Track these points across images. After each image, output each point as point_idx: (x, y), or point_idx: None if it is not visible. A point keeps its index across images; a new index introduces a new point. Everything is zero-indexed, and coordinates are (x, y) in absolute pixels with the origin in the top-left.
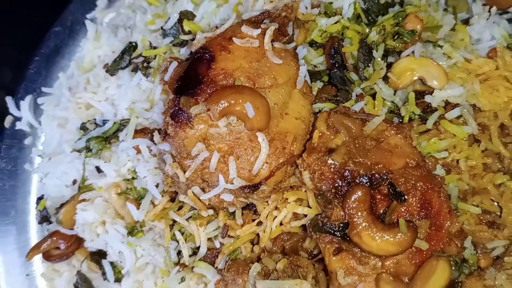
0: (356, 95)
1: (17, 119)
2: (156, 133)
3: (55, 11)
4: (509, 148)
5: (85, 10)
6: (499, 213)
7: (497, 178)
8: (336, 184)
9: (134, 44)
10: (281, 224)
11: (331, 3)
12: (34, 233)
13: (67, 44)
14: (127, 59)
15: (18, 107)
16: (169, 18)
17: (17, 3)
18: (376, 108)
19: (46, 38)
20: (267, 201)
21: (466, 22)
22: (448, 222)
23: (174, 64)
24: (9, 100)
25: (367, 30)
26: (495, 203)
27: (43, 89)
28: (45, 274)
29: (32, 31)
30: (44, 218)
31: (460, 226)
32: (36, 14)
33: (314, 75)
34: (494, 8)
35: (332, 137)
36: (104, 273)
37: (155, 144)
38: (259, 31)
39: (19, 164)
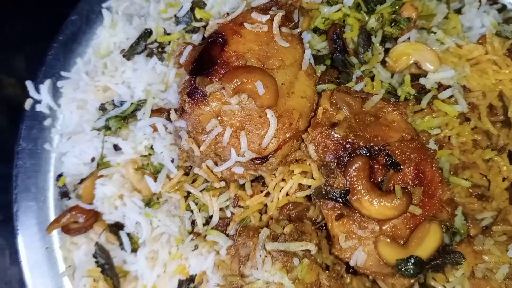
0: (356, 77)
1: (37, 101)
2: (172, 111)
3: (72, 1)
4: (497, 126)
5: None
6: (487, 187)
7: (485, 153)
8: (339, 155)
9: (149, 30)
10: (287, 194)
11: None
12: (53, 208)
13: (83, 32)
14: (143, 44)
15: (37, 90)
16: (182, 6)
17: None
18: (374, 89)
19: (63, 26)
20: (274, 174)
21: (458, 11)
22: (440, 191)
23: (189, 48)
24: (29, 84)
25: (367, 18)
26: (484, 177)
27: (62, 73)
28: (64, 247)
29: (50, 20)
30: (64, 194)
31: (451, 195)
32: (54, 4)
33: (317, 59)
34: None
35: (335, 113)
36: (121, 244)
37: (171, 122)
38: (268, 17)
39: (39, 144)
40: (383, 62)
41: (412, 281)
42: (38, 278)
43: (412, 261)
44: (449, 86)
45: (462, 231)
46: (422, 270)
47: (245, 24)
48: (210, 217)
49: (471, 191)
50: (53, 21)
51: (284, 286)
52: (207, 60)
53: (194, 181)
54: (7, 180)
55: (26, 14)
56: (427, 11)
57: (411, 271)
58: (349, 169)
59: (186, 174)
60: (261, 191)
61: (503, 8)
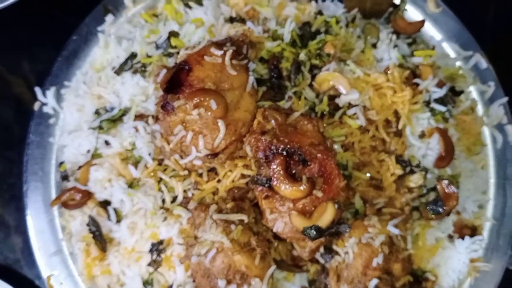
0: (288, 97)
1: (44, 104)
2: (150, 118)
3: (74, 24)
4: (390, 135)
5: (97, 23)
6: (381, 180)
7: (380, 156)
8: (266, 154)
9: (135, 53)
10: (233, 181)
11: (276, 30)
12: (55, 188)
13: (82, 49)
14: (130, 64)
15: (44, 95)
16: (161, 36)
17: (48, 20)
18: (299, 106)
19: (66, 44)
20: (224, 166)
21: (374, 45)
22: (337, 180)
23: (164, 70)
24: (37, 90)
25: (300, 51)
26: (378, 173)
27: (65, 83)
28: (63, 218)
29: (55, 28)
30: (64, 177)
31: (345, 184)
32: (59, 14)
33: (260, 82)
34: (394, 36)
35: (265, 124)
36: (108, 216)
37: (149, 125)
38: (222, 52)
39: (45, 137)
40: (311, 85)
41: (317, 244)
42: (42, 242)
43: (314, 228)
44: (356, 105)
45: (360, 211)
46: (321, 235)
47: (205, 56)
48: (176, 197)
49: (369, 182)
50: (57, 29)
51: (224, 244)
52: (177, 82)
53: (165, 169)
54: (15, 164)
55: (33, 21)
56: (348, 45)
57: (312, 235)
58: (272, 164)
59: (159, 164)
60: (214, 178)
61: (413, 42)
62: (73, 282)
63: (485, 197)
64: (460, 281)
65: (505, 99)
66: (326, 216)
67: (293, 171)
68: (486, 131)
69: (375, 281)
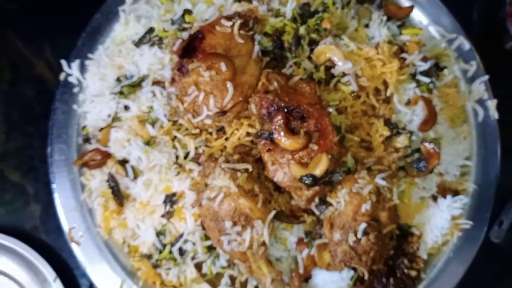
0: (289, 66)
1: (69, 74)
2: (166, 82)
3: (97, 5)
4: (379, 102)
5: (118, 3)
6: (371, 141)
7: (370, 119)
8: (269, 111)
9: (152, 28)
10: (239, 138)
11: (279, 9)
12: (76, 150)
13: (104, 26)
14: (148, 37)
15: (69, 67)
16: (176, 13)
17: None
18: (298, 74)
19: (90, 22)
20: (231, 125)
21: (367, 25)
22: (331, 136)
23: (179, 40)
24: (63, 62)
25: (300, 27)
26: (368, 135)
27: (89, 55)
28: (84, 176)
29: (75, 18)
30: (86, 140)
31: (338, 139)
32: (84, 7)
33: (264, 53)
34: (385, 17)
35: (269, 85)
36: (126, 173)
37: (165, 89)
38: (231, 23)
39: (69, 105)
40: (310, 58)
41: (313, 193)
42: (64, 198)
43: (309, 176)
44: (349, 74)
45: (352, 169)
46: (316, 183)
47: (216, 26)
48: (188, 153)
49: (360, 144)
50: (77, 18)
51: (231, 189)
52: (191, 48)
53: (179, 129)
54: (36, 138)
55: (56, 12)
56: (343, 24)
57: (309, 182)
58: (274, 119)
59: (174, 124)
60: (222, 137)
61: (402, 24)
62: (91, 235)
63: (467, 163)
64: (443, 238)
65: (486, 77)
66: (320, 165)
67: (292, 126)
68: (469, 107)
69: (363, 225)
